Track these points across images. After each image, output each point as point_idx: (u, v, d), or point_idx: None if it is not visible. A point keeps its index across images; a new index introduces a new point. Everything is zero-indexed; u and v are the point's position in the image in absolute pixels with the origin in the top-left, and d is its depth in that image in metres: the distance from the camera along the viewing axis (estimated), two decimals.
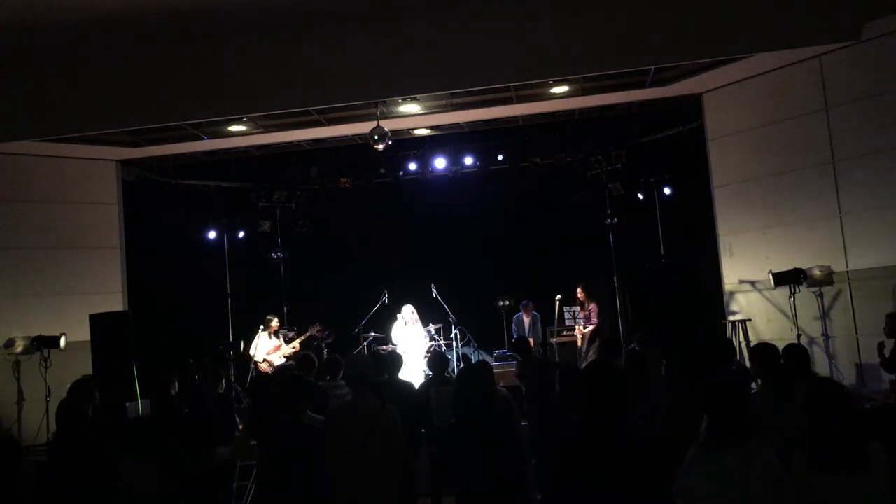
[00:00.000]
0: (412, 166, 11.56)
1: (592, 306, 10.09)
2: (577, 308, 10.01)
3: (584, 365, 9.58)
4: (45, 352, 8.28)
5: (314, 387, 5.40)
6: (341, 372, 5.54)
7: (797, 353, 4.67)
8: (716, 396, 2.97)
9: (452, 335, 10.45)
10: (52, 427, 5.75)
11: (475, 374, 3.91)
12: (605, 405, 3.00)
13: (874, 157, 7.79)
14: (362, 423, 3.84)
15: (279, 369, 9.08)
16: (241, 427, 6.35)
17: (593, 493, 2.93)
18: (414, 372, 9.14)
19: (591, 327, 10.02)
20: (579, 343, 10.10)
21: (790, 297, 7.92)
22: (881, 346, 6.93)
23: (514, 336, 10.77)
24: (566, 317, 10.08)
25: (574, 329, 10.14)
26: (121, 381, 7.45)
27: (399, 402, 4.98)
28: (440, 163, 11.42)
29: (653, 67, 8.19)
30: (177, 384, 6.27)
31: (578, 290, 10.17)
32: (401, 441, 3.92)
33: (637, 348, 7.01)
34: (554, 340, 10.35)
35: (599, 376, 3.15)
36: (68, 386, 5.54)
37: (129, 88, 7.97)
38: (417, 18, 7.52)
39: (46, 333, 8.42)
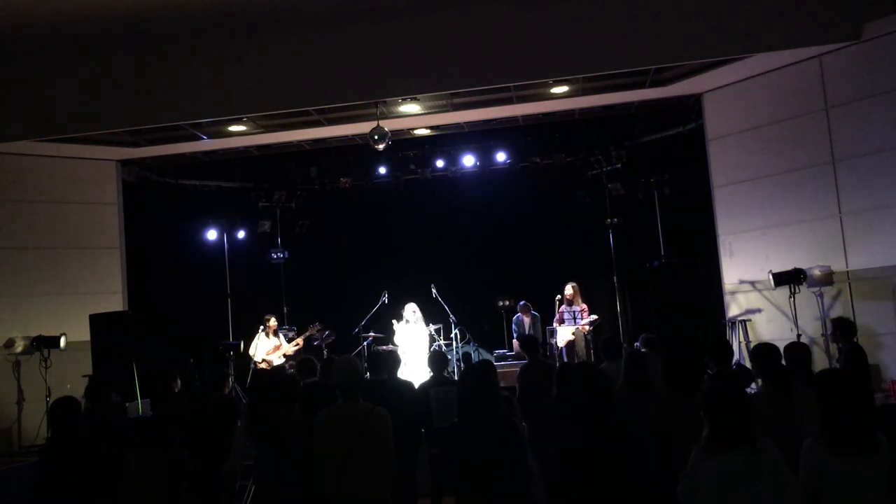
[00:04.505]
0: (412, 166, 11.56)
1: (584, 306, 10.05)
2: (577, 308, 9.98)
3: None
4: (45, 352, 8.27)
5: (320, 386, 5.41)
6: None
7: (799, 352, 4.67)
8: (713, 400, 2.97)
9: (452, 335, 10.45)
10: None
11: (478, 374, 3.90)
12: (597, 407, 2.99)
13: (874, 157, 7.79)
14: (351, 427, 3.83)
15: (270, 369, 9.10)
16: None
17: (592, 495, 2.92)
18: (416, 371, 9.13)
19: (588, 328, 9.98)
20: (561, 343, 10.03)
21: (790, 297, 7.92)
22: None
23: (515, 336, 10.79)
24: (566, 317, 10.06)
25: (574, 326, 10.02)
26: (121, 381, 7.46)
27: (399, 402, 4.99)
28: (440, 163, 11.44)
29: (653, 67, 8.19)
30: (179, 382, 6.29)
31: (570, 286, 10.03)
32: (391, 444, 3.91)
33: (642, 349, 7.00)
34: (554, 341, 10.34)
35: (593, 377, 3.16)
36: (68, 386, 5.54)
37: (129, 88, 7.98)
38: (417, 18, 7.53)
39: (46, 333, 8.41)
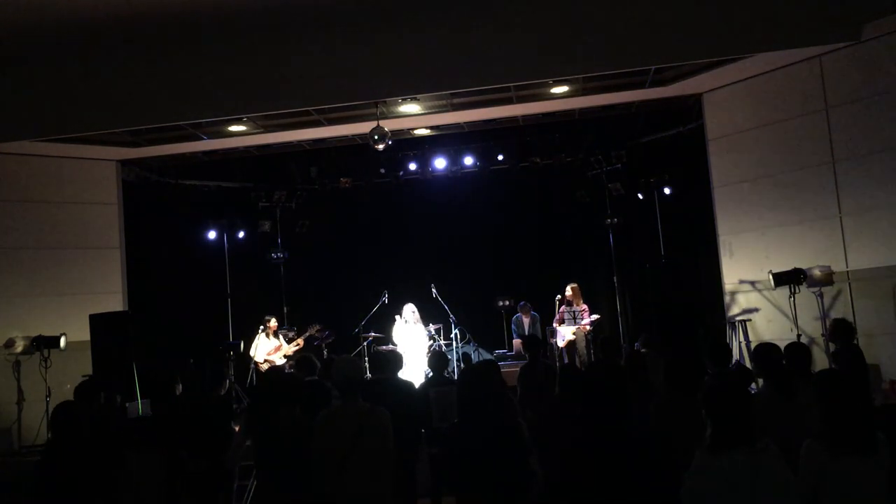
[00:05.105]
0: (412, 166, 11.57)
1: (585, 307, 10.04)
2: (578, 309, 9.98)
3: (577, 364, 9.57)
4: (45, 352, 8.27)
5: (320, 386, 5.41)
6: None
7: (799, 352, 4.68)
8: (715, 400, 2.97)
9: (452, 335, 10.45)
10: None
11: (478, 373, 3.90)
12: (605, 407, 3.00)
13: (874, 157, 7.79)
14: (350, 427, 3.84)
15: (274, 369, 9.08)
16: (236, 429, 6.35)
17: (592, 495, 2.92)
18: (415, 371, 9.14)
19: (588, 328, 9.98)
20: (561, 344, 10.02)
21: (790, 297, 7.92)
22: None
23: (515, 336, 10.79)
24: (566, 317, 10.07)
25: (575, 326, 10.02)
26: (121, 381, 7.45)
27: (399, 401, 4.99)
28: (440, 163, 11.45)
29: (653, 67, 8.19)
30: (180, 385, 6.28)
31: (570, 287, 10.04)
32: (391, 444, 3.92)
33: (642, 349, 7.00)
34: (554, 341, 10.34)
35: (601, 377, 3.15)
36: (68, 386, 5.53)
37: (129, 88, 7.97)
38: (417, 18, 7.52)
39: (46, 333, 8.41)
